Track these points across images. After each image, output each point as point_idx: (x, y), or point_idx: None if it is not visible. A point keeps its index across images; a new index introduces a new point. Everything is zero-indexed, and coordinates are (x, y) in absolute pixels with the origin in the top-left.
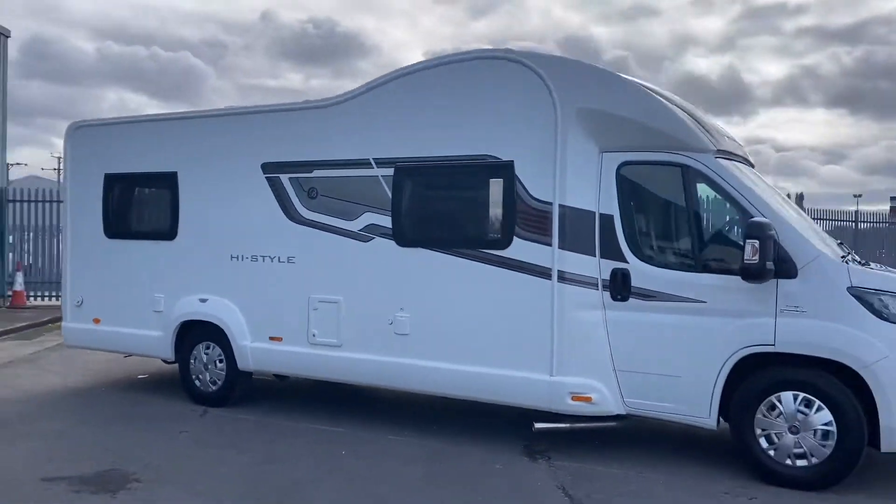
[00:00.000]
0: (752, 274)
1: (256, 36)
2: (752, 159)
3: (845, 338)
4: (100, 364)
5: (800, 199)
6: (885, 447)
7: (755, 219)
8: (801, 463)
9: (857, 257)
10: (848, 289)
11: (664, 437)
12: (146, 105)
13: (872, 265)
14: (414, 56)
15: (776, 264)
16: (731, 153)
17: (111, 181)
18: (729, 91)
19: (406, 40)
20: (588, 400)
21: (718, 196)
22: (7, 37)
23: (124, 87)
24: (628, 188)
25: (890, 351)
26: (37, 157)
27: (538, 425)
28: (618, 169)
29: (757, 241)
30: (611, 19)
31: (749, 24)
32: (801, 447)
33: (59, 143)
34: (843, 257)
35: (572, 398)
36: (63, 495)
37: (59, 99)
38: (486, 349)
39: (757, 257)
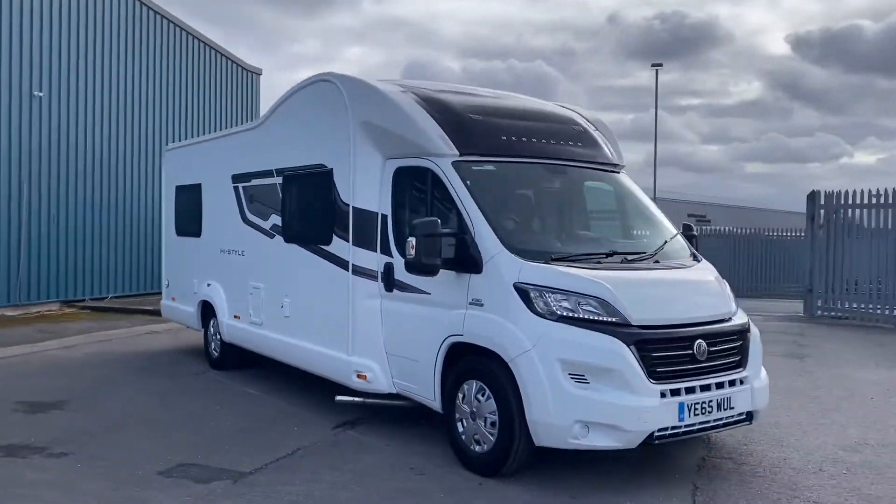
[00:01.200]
0: (412, 267)
1: (604, 39)
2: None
3: (500, 331)
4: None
5: None
6: (535, 440)
7: (417, 219)
8: (478, 448)
9: (693, 255)
10: (513, 284)
11: None
12: None
13: (699, 263)
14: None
15: (468, 260)
16: (507, 155)
17: (177, 192)
18: None
19: (765, 24)
20: (364, 378)
21: (447, 196)
22: (259, 75)
23: None
24: (398, 191)
25: (532, 345)
26: None
27: (338, 398)
28: (393, 174)
29: (413, 239)
30: None
31: None
32: (478, 433)
33: None
34: (639, 254)
35: (357, 376)
36: (4, 414)
37: None
38: (321, 330)
39: (414, 252)
